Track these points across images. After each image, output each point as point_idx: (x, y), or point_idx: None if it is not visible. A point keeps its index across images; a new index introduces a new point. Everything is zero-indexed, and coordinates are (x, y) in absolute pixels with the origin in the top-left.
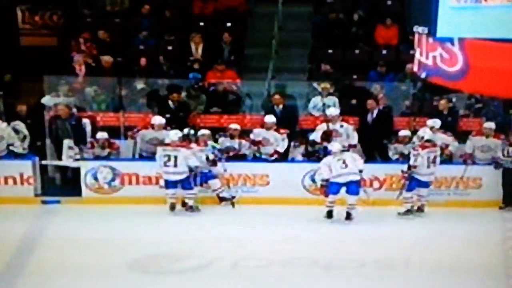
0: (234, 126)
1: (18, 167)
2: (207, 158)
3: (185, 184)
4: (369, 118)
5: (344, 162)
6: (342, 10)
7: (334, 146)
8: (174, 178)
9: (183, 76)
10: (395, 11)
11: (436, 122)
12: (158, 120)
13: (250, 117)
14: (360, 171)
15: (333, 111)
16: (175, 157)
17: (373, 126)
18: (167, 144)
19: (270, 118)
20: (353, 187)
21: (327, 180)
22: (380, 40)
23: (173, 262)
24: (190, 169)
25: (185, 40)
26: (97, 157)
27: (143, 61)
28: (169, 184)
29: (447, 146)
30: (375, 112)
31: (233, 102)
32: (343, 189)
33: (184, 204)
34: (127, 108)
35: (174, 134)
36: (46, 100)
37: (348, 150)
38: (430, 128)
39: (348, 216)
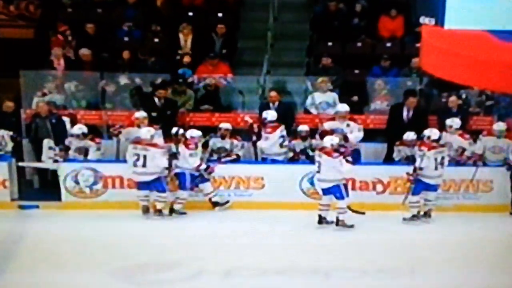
0: (225, 125)
1: None
2: (207, 168)
3: (156, 185)
4: (405, 116)
5: (319, 166)
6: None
7: (324, 141)
8: (142, 179)
9: (171, 70)
10: (400, 1)
11: (455, 122)
12: (141, 113)
13: (243, 114)
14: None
15: (342, 107)
16: (145, 156)
17: (409, 125)
18: (138, 142)
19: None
20: (335, 191)
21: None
22: (384, 32)
23: (160, 271)
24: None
25: (173, 32)
26: (78, 150)
27: (126, 54)
28: (140, 185)
29: (463, 150)
30: (412, 110)
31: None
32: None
33: (171, 209)
34: (110, 105)
35: (147, 132)
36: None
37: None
38: (448, 127)
39: (337, 222)
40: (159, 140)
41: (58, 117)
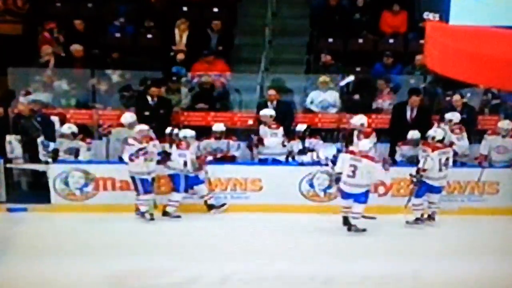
0: (219, 128)
1: None
2: (199, 167)
3: (134, 184)
4: (409, 115)
5: (354, 170)
6: None
7: (360, 144)
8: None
9: (164, 68)
10: None
11: (455, 116)
12: (129, 118)
13: (240, 114)
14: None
15: (358, 120)
16: None
17: (413, 124)
18: None
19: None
20: (359, 195)
21: (339, 174)
22: (386, 28)
23: (154, 276)
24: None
25: (167, 28)
26: (68, 151)
27: (116, 54)
28: None
29: (451, 144)
30: (415, 109)
31: (220, 96)
32: None
33: (164, 212)
34: (100, 104)
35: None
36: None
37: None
38: (448, 121)
39: (349, 227)
40: None
41: (43, 115)
